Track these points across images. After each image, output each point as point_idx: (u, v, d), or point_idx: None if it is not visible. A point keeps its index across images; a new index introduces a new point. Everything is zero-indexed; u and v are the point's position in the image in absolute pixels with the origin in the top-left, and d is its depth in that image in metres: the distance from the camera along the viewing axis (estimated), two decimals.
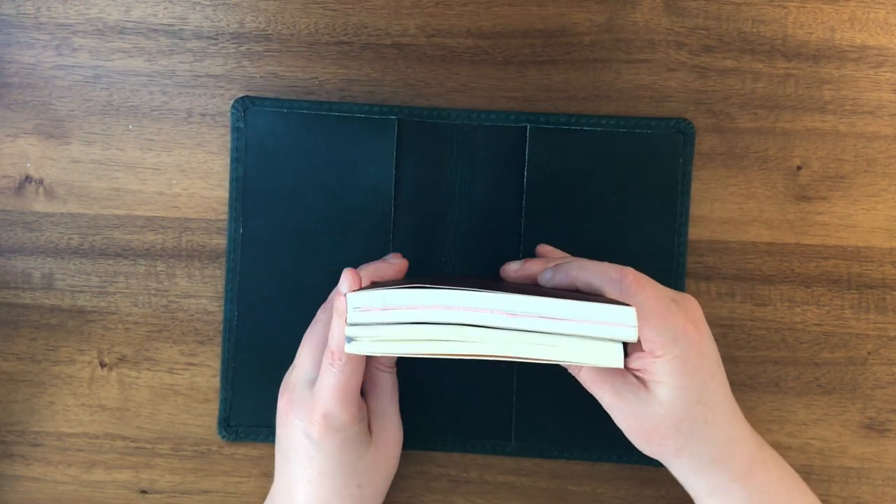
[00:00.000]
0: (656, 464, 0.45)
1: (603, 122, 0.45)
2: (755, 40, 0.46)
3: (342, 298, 0.37)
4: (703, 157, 0.46)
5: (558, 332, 0.33)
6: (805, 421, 0.46)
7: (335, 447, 0.39)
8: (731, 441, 0.39)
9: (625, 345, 0.34)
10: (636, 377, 0.39)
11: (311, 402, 0.39)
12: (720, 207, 0.46)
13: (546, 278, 0.40)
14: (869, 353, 0.46)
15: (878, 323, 0.46)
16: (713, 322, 0.46)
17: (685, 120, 0.45)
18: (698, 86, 0.46)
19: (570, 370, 0.40)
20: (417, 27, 0.46)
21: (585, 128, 0.45)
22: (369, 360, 0.42)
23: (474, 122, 0.45)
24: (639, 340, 0.36)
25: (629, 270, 0.38)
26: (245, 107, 0.45)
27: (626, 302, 0.35)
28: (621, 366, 0.33)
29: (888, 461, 0.46)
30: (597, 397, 0.40)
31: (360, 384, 0.39)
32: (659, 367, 0.37)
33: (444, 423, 0.46)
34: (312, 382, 0.40)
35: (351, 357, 0.38)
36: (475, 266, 0.45)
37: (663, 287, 0.39)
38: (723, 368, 0.40)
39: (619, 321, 0.33)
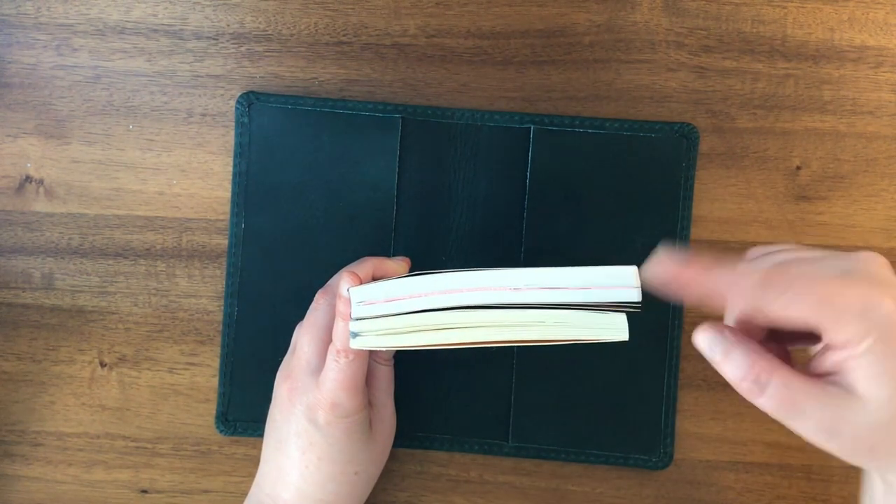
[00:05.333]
0: (654, 466, 0.45)
1: (607, 124, 0.45)
2: (755, 40, 0.46)
3: (343, 300, 0.37)
4: (702, 158, 0.46)
5: (564, 302, 0.33)
6: None
7: (341, 433, 0.40)
8: None
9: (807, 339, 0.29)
10: (834, 382, 0.30)
11: (316, 390, 0.39)
12: (720, 208, 0.46)
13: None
14: None
15: None
16: None
17: (689, 124, 0.45)
18: (698, 86, 0.46)
19: (748, 398, 0.31)
20: (417, 27, 0.46)
21: (589, 130, 0.45)
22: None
23: (478, 121, 0.45)
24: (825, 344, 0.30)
25: (757, 275, 0.30)
26: (250, 102, 0.45)
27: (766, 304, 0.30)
28: (626, 338, 0.33)
29: None
30: (792, 428, 0.31)
31: (365, 373, 0.40)
32: (851, 359, 0.29)
33: (441, 423, 0.46)
34: (315, 371, 0.40)
35: (357, 353, 0.38)
36: (476, 265, 0.45)
37: (830, 258, 0.31)
38: None
39: (621, 283, 0.33)
